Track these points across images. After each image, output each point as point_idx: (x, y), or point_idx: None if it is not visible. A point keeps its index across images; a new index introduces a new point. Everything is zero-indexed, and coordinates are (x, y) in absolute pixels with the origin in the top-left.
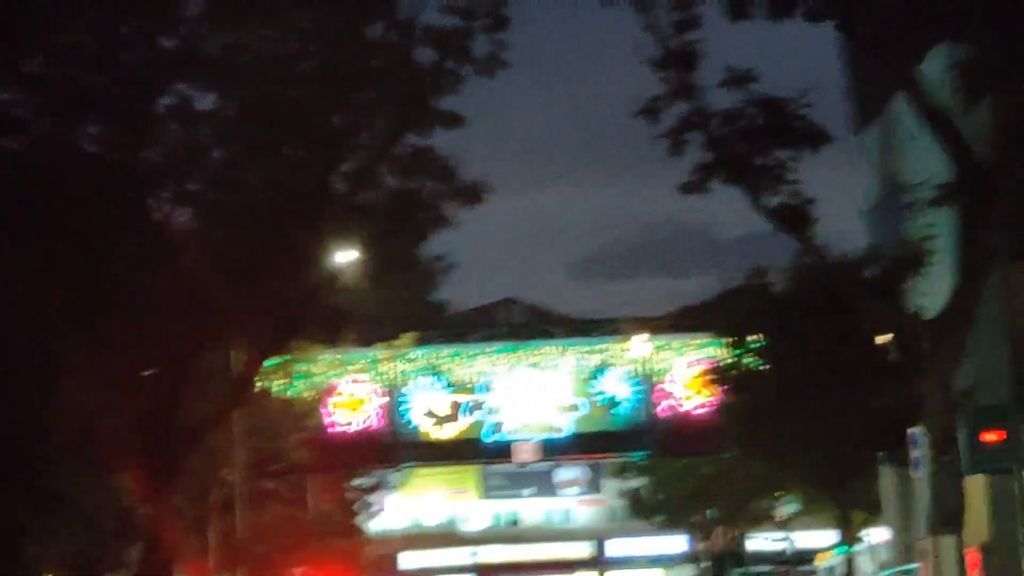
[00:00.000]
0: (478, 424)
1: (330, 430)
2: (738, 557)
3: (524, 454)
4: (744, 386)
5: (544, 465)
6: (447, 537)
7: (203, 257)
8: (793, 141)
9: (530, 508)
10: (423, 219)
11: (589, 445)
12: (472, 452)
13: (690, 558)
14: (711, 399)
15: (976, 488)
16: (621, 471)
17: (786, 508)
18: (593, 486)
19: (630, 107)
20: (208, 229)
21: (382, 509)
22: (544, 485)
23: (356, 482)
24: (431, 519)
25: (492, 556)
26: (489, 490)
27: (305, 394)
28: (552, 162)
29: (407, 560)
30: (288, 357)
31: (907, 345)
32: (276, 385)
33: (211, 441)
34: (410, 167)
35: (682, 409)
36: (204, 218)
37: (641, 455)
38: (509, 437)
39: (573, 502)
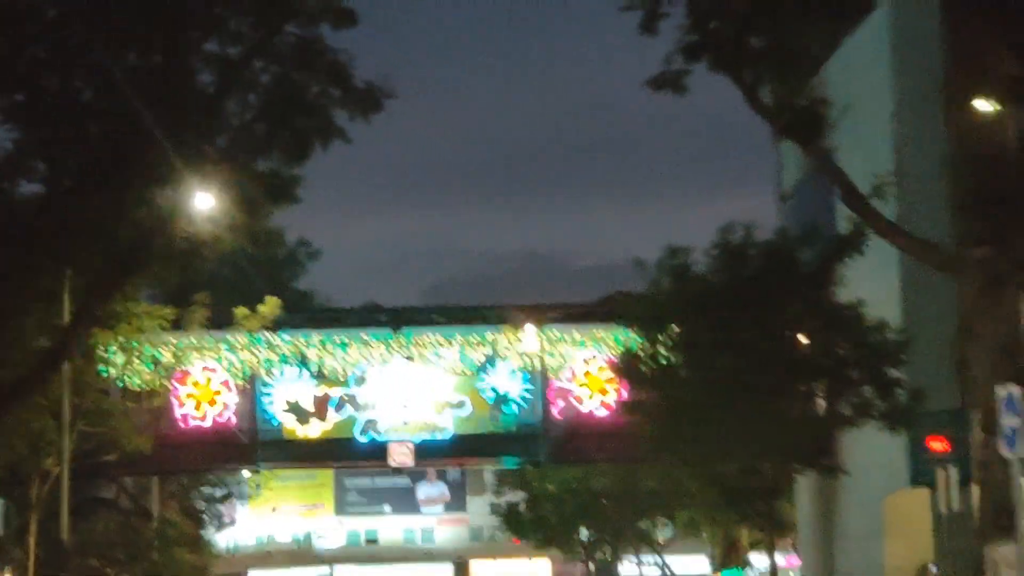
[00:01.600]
0: (349, 422)
1: (180, 424)
2: None
3: (401, 457)
4: (659, 381)
5: (404, 480)
6: (301, 555)
7: (15, 174)
8: (812, 11)
9: (389, 526)
10: (306, 128)
11: (473, 448)
12: (341, 453)
13: None
14: (613, 398)
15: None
16: (497, 483)
17: (665, 530)
18: (457, 504)
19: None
20: (22, 138)
21: (232, 522)
22: (404, 501)
23: (205, 491)
24: (284, 535)
25: None
26: (345, 506)
27: (150, 380)
28: (399, 189)
29: None
30: (131, 340)
31: (832, 341)
32: (116, 370)
33: (33, 421)
34: (291, 62)
35: (580, 409)
36: (17, 123)
37: (517, 461)
38: (383, 437)
39: (435, 520)
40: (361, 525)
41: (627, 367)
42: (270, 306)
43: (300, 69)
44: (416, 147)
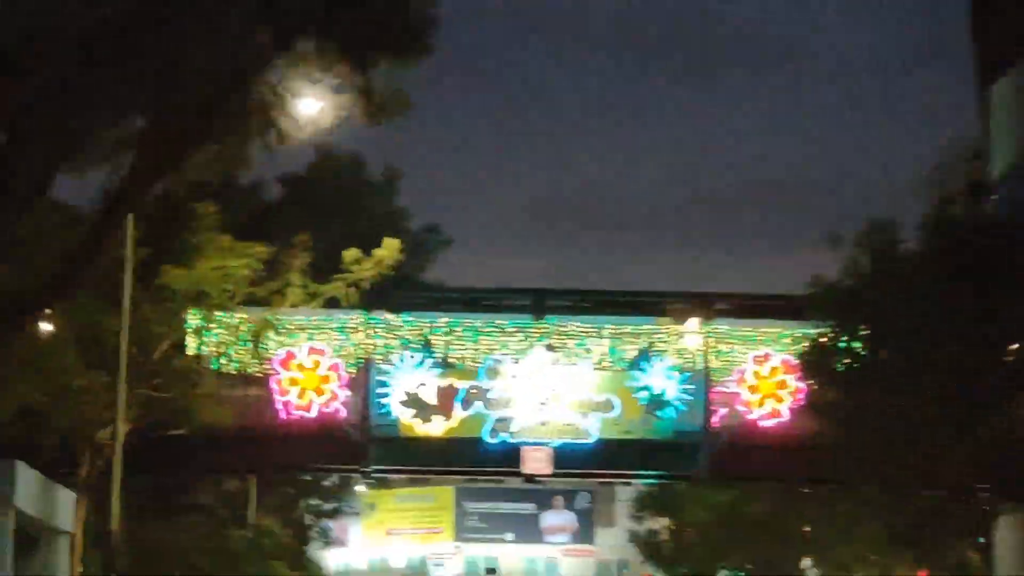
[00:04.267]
0: (477, 420)
1: (280, 414)
2: None
3: (536, 463)
4: (854, 381)
5: (529, 506)
6: None
7: None
8: None
9: (511, 555)
10: None
11: (621, 457)
12: (466, 456)
13: None
14: (787, 406)
15: None
16: (638, 506)
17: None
18: (584, 535)
19: None
20: None
21: (342, 542)
22: (528, 529)
23: (313, 503)
24: (398, 559)
25: None
26: (465, 531)
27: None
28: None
29: None
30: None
31: None
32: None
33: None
34: None
35: (748, 417)
36: None
37: (670, 476)
38: (517, 440)
39: (560, 551)
40: (481, 552)
41: (815, 362)
42: (389, 249)
43: None
44: (524, 187)
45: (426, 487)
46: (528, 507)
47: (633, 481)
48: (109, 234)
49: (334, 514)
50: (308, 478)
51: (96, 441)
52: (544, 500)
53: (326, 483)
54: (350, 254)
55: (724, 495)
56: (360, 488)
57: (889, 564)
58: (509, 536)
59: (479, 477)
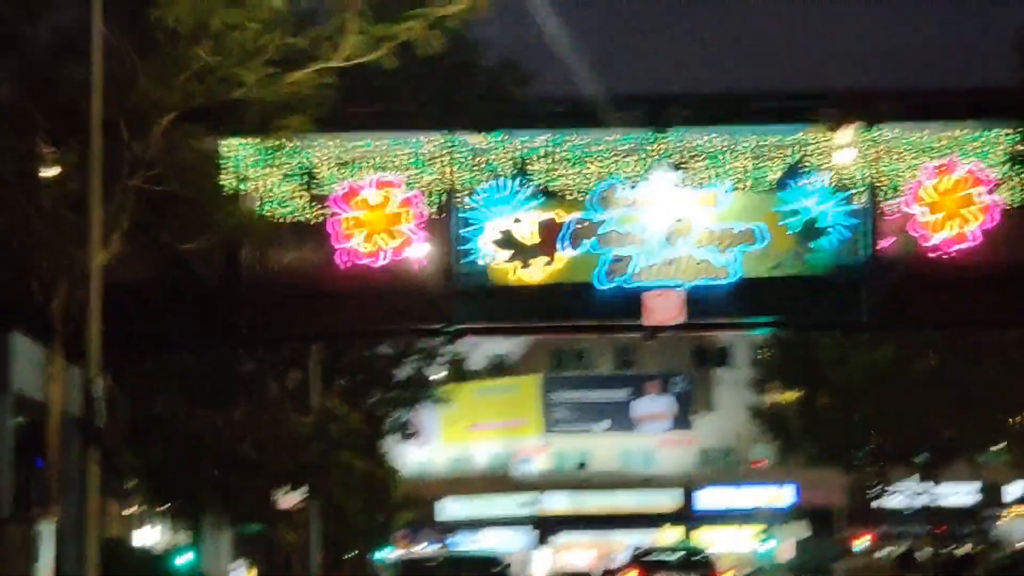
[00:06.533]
0: (587, 261)
1: (341, 264)
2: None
3: (664, 312)
4: None
5: (621, 394)
6: (500, 480)
7: None
8: None
9: (604, 447)
10: None
11: (770, 298)
12: (574, 306)
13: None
14: (975, 228)
15: None
16: (760, 375)
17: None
18: (682, 421)
19: None
20: None
21: (419, 436)
22: (621, 418)
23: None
24: (481, 457)
25: (555, 506)
26: (553, 424)
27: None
28: None
29: (450, 508)
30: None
31: None
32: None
33: None
34: None
35: (925, 245)
36: None
37: (811, 325)
38: (637, 283)
39: (657, 441)
40: (571, 446)
41: None
42: None
43: None
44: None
45: (509, 378)
46: (620, 394)
47: (785, 328)
48: None
49: (410, 404)
50: (382, 352)
51: (79, 268)
52: (638, 386)
53: (397, 372)
54: None
55: (881, 351)
56: (436, 377)
57: None
58: (601, 427)
59: (587, 334)
